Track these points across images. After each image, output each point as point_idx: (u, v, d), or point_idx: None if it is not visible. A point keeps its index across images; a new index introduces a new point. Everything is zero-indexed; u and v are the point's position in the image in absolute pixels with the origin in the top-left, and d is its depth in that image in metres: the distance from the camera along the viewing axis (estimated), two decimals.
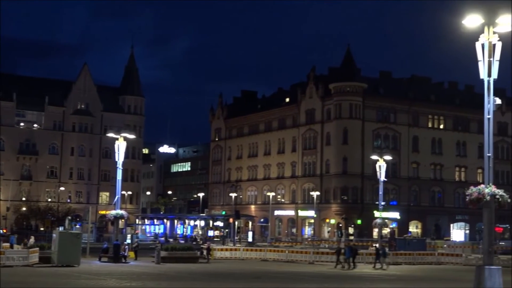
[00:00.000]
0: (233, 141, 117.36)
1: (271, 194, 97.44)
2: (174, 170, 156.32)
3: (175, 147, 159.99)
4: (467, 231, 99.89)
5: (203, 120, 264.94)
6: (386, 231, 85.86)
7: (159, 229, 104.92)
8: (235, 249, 55.54)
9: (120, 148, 45.19)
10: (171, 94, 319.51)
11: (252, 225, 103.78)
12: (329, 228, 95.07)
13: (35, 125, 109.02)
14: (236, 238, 76.95)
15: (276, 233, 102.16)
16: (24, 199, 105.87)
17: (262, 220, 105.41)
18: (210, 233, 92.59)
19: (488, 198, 20.22)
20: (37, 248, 38.90)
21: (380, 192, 57.97)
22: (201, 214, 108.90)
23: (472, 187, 20.78)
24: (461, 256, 53.63)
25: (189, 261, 43.73)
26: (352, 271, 40.82)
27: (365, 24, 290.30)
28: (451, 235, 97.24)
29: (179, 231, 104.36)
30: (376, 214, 65.68)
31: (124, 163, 46.93)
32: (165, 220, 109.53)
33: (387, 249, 58.26)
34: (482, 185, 20.53)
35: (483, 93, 20.60)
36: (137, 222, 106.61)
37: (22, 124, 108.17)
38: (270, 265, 45.48)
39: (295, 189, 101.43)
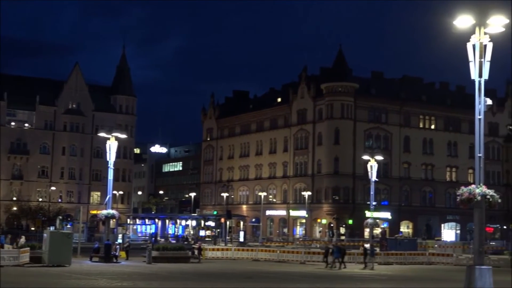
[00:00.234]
0: (225, 141, 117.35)
1: (263, 194, 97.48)
2: (166, 170, 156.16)
3: (166, 147, 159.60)
4: (458, 231, 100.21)
5: (195, 120, 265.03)
6: (377, 231, 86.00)
7: (151, 229, 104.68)
8: (227, 249, 55.52)
9: (112, 147, 45.07)
10: (163, 94, 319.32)
11: (243, 225, 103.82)
12: (321, 228, 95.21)
13: (26, 125, 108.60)
14: (227, 238, 76.90)
15: (267, 233, 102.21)
16: (15, 198, 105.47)
17: (253, 220, 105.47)
18: (202, 233, 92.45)
19: (478, 198, 20.28)
20: (28, 248, 38.74)
21: (372, 192, 58.05)
22: (193, 214, 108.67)
23: (463, 187, 20.83)
24: (452, 256, 53.77)
25: (181, 261, 43.66)
26: (342, 271, 40.84)
27: (357, 24, 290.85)
28: (442, 235, 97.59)
29: (170, 231, 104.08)
30: (368, 214, 65.75)
31: (115, 163, 46.76)
32: (156, 220, 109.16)
33: (378, 249, 58.60)
34: (473, 185, 20.58)
35: (474, 94, 20.67)
36: (128, 222, 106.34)
37: (13, 123, 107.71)
38: (262, 265, 45.49)
39: (286, 189, 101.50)
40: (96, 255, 43.16)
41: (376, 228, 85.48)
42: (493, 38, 20.58)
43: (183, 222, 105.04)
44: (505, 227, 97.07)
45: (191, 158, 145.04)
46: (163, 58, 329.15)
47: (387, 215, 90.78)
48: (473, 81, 20.61)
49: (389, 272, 40.99)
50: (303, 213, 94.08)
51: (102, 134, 48.71)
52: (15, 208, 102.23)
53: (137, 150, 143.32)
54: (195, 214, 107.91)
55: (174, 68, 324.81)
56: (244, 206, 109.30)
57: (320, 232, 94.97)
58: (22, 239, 48.11)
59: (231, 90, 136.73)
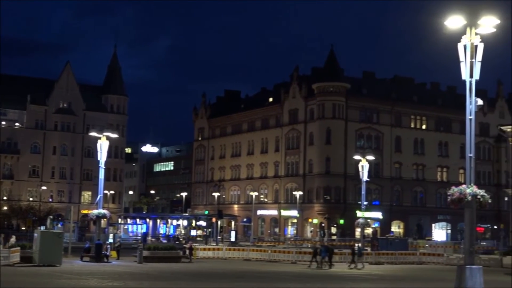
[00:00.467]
0: (216, 140, 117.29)
1: (254, 194, 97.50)
2: (157, 170, 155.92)
3: (158, 146, 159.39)
4: (449, 231, 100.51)
5: (186, 119, 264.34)
6: (368, 231, 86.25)
7: (142, 229, 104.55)
8: (218, 249, 55.48)
9: (103, 147, 44.92)
10: (154, 94, 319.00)
11: (235, 224, 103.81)
12: (312, 228, 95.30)
13: (17, 124, 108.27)
14: (218, 237, 76.84)
15: (259, 232, 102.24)
16: (5, 198, 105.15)
17: (245, 219, 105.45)
18: (193, 232, 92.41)
19: (469, 198, 20.31)
20: (18, 248, 38.59)
21: (363, 192, 58.10)
22: (184, 214, 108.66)
23: (453, 187, 20.85)
24: (442, 256, 53.87)
25: (172, 261, 43.57)
26: (333, 270, 40.83)
27: (349, 24, 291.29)
28: (433, 235, 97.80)
29: (161, 231, 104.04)
30: (359, 214, 65.84)
31: (106, 163, 46.62)
32: (147, 220, 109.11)
33: (369, 249, 58.69)
34: (464, 185, 20.61)
35: (465, 94, 20.71)
36: (119, 222, 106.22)
37: (3, 122, 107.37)
38: (253, 265, 45.46)
39: (278, 189, 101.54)
40: (87, 255, 43.03)
41: (367, 228, 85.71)
42: (484, 39, 20.62)
43: (174, 222, 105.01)
44: (495, 227, 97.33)
45: (183, 158, 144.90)
46: (155, 57, 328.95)
47: (378, 215, 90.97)
48: (464, 81, 20.64)
49: (380, 272, 41.04)
50: (294, 213, 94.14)
51: (93, 134, 48.44)
52: (5, 208, 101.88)
53: (128, 150, 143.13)
54: (186, 214, 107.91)
55: (165, 67, 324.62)
56: (236, 206, 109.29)
57: (311, 232, 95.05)
58: (13, 239, 47.91)
59: (222, 89, 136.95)
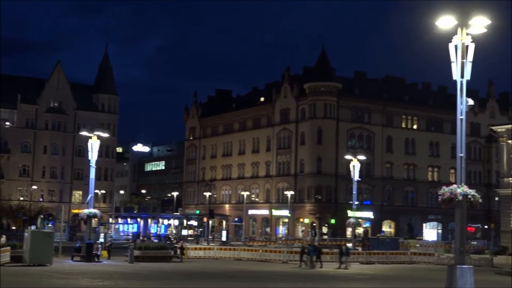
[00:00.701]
0: (208, 140, 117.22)
1: (246, 194, 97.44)
2: (148, 169, 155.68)
3: (149, 145, 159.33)
4: (440, 231, 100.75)
5: (178, 119, 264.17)
6: (359, 230, 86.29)
7: (133, 228, 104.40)
8: (209, 248, 55.43)
9: (94, 146, 44.82)
10: (145, 93, 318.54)
11: (226, 224, 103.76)
12: (303, 228, 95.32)
13: (7, 123, 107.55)
14: (210, 237, 76.82)
15: (250, 232, 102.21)
16: None
17: (236, 219, 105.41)
18: (184, 232, 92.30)
19: (460, 198, 20.37)
20: (9, 247, 38.42)
21: (354, 192, 58.17)
22: (175, 213, 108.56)
23: (444, 187, 20.91)
24: (433, 255, 54.01)
25: (163, 260, 43.52)
26: (323, 270, 40.86)
27: (340, 24, 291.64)
28: (424, 235, 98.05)
29: (152, 230, 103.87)
30: (350, 213, 65.82)
31: (97, 162, 46.54)
32: (138, 219, 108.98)
33: (360, 249, 58.75)
34: (454, 185, 20.68)
35: (456, 94, 20.76)
36: (110, 221, 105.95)
37: None
38: (244, 264, 45.45)
39: (269, 189, 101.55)
40: (77, 255, 42.91)
41: (358, 228, 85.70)
42: (475, 39, 20.68)
43: (166, 222, 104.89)
44: (486, 226, 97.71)
45: (174, 157, 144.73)
46: (146, 57, 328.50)
47: (369, 214, 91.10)
48: (455, 81, 20.70)
49: (371, 272, 41.09)
50: (285, 212, 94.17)
51: (84, 133, 48.31)
52: None
53: (119, 149, 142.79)
54: (178, 214, 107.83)
55: (156, 67, 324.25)
56: (227, 206, 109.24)
57: (302, 231, 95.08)
58: (3, 238, 47.74)
59: (214, 89, 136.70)
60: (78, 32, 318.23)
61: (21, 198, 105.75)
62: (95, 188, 49.53)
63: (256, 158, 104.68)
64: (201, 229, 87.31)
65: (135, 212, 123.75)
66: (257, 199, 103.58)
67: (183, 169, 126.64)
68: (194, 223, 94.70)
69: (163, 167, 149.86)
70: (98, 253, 43.47)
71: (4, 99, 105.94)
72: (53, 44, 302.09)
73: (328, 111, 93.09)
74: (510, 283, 30.49)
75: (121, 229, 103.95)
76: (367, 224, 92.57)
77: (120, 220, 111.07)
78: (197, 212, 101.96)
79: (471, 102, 21.69)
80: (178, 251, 46.92)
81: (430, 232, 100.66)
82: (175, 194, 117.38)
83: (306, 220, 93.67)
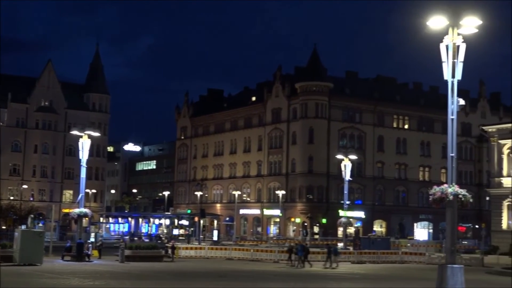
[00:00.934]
0: (199, 139, 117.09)
1: (237, 193, 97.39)
2: (139, 169, 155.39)
3: (140, 145, 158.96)
4: (431, 230, 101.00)
5: (169, 118, 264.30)
6: (351, 230, 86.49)
7: (124, 228, 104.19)
8: (200, 248, 55.37)
9: (84, 146, 44.67)
10: (136, 92, 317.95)
11: (217, 223, 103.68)
12: (294, 227, 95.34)
13: None
14: (201, 236, 76.73)
15: (241, 232, 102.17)
16: None
17: (227, 218, 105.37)
18: (175, 231, 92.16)
19: (451, 197, 20.41)
20: None
21: (345, 192, 58.28)
22: (166, 213, 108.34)
23: (435, 187, 20.95)
24: (424, 255, 54.14)
25: (154, 260, 43.41)
26: (312, 269, 40.86)
27: (332, 24, 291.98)
28: (415, 234, 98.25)
29: (144, 230, 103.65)
30: (341, 213, 66.03)
31: (88, 161, 46.36)
32: (129, 219, 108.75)
33: (351, 248, 58.81)
34: (445, 185, 20.71)
35: (447, 94, 20.79)
36: (101, 221, 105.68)
37: None
38: (235, 264, 45.42)
39: (260, 188, 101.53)
40: (68, 254, 42.77)
41: (350, 227, 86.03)
42: (466, 39, 20.72)
43: (157, 221, 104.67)
44: (477, 226, 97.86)
45: (165, 157, 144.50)
46: (137, 56, 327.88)
47: (360, 214, 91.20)
48: (446, 81, 20.73)
49: (362, 271, 41.14)
50: (277, 212, 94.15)
51: (74, 132, 48.09)
52: None
53: (110, 148, 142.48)
54: (169, 213, 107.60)
55: (148, 66, 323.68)
56: (218, 205, 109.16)
57: (294, 231, 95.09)
58: None
59: (205, 88, 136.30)
60: (69, 31, 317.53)
61: (12, 198, 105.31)
62: (86, 188, 49.34)
63: (248, 158, 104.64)
64: (192, 229, 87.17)
65: (126, 211, 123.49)
66: (248, 199, 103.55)
67: (174, 169, 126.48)
68: (185, 222, 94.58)
69: (154, 167, 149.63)
70: (89, 252, 43.32)
71: None
72: (44, 43, 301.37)
73: (320, 110, 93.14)
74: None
75: (112, 228, 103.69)
76: (358, 224, 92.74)
77: (111, 220, 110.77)
78: (188, 211, 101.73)
79: (462, 102, 21.69)
80: (169, 251, 46.85)
81: (421, 232, 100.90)
82: (166, 193, 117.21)
83: (298, 220, 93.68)
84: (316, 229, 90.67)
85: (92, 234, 60.45)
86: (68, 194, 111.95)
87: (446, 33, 20.64)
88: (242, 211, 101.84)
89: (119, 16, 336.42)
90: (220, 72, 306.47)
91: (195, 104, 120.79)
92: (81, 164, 45.05)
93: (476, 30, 20.85)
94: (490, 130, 62.93)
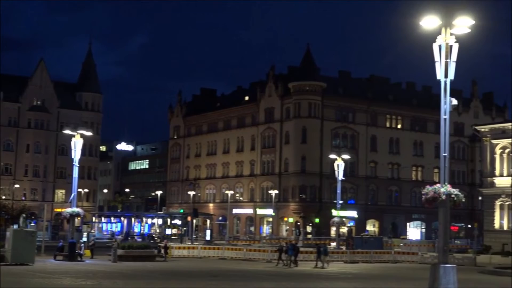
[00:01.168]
0: (192, 139, 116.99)
1: (230, 193, 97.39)
2: (132, 168, 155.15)
3: (133, 144, 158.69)
4: (423, 230, 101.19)
5: (162, 117, 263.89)
6: (343, 229, 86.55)
7: (116, 227, 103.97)
8: (193, 248, 55.33)
9: (77, 145, 44.54)
10: (129, 91, 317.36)
11: (210, 223, 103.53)
12: (287, 227, 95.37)
13: None
14: (194, 236, 76.65)
15: (234, 231, 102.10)
16: None
17: (220, 218, 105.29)
18: (168, 231, 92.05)
19: (443, 197, 20.42)
20: None
21: (338, 191, 58.34)
22: (159, 212, 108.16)
23: (428, 187, 20.96)
24: (417, 254, 54.27)
25: (146, 260, 43.35)
26: (304, 268, 40.91)
27: (325, 24, 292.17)
28: (408, 234, 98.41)
29: (136, 229, 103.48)
30: (334, 212, 66.04)
31: (80, 161, 46.22)
32: (122, 218, 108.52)
33: (344, 248, 58.87)
34: (438, 185, 20.72)
35: (440, 94, 20.81)
36: (93, 220, 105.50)
37: None
38: (228, 264, 45.39)
39: (253, 188, 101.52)
40: (60, 254, 42.66)
41: (343, 227, 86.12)
42: (459, 39, 20.74)
43: (149, 221, 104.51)
44: (469, 226, 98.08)
45: (158, 156, 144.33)
46: (130, 55, 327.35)
47: (353, 213, 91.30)
48: (439, 81, 20.75)
49: (355, 271, 41.18)
50: (270, 211, 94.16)
51: (67, 132, 47.93)
52: None
53: (103, 148, 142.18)
54: (162, 213, 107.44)
55: (141, 65, 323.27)
56: (211, 205, 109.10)
57: (286, 230, 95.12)
58: None
59: (198, 88, 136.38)
60: (61, 30, 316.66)
61: (3, 197, 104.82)
62: (78, 187, 49.27)
63: (241, 157, 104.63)
64: (185, 228, 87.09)
65: (118, 211, 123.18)
66: (241, 198, 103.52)
67: (167, 168, 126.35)
68: (178, 222, 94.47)
69: (147, 166, 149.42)
70: (81, 252, 43.23)
71: None
72: (36, 42, 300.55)
73: (313, 110, 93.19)
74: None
75: (104, 228, 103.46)
76: (351, 223, 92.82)
77: (103, 219, 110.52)
78: (181, 211, 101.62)
79: (455, 102, 21.68)
80: (162, 250, 46.80)
81: (414, 231, 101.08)
82: (159, 193, 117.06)
83: (291, 219, 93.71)
84: (309, 229, 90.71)
85: (85, 234, 60.40)
86: (60, 193, 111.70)
87: (439, 33, 20.66)
88: (235, 211, 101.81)
89: (112, 15, 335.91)
90: (213, 72, 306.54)
91: (188, 103, 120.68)
92: (74, 163, 44.92)
93: (469, 30, 20.87)
94: (482, 130, 63.07)
